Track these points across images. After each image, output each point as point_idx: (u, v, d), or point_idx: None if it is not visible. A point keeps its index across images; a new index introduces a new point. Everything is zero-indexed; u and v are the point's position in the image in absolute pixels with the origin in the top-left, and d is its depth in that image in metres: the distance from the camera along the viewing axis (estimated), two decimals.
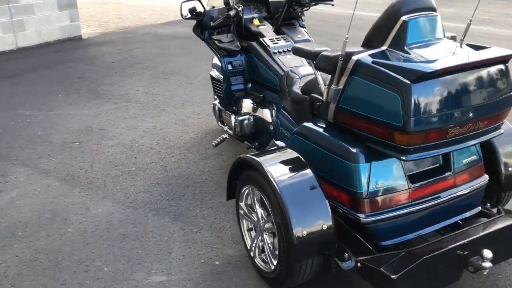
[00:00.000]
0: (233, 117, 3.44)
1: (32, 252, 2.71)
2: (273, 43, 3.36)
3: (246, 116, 3.42)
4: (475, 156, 2.47)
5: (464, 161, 2.42)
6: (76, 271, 2.56)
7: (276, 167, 2.28)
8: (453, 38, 2.49)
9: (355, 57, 2.19)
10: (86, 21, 9.85)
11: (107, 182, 3.48)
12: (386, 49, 2.23)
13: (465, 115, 2.07)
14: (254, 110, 3.44)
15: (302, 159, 2.32)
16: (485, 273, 2.15)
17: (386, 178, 2.23)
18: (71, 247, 2.75)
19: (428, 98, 1.99)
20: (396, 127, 2.03)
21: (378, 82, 2.09)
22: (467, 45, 2.35)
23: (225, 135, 3.55)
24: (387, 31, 2.23)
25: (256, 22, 3.58)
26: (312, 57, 2.49)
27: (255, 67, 3.42)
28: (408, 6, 2.20)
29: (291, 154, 2.37)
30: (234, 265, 2.60)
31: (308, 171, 2.25)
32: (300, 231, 2.11)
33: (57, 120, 4.61)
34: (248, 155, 2.39)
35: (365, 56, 2.18)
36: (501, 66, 2.16)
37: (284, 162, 2.34)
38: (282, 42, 3.39)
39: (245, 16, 3.56)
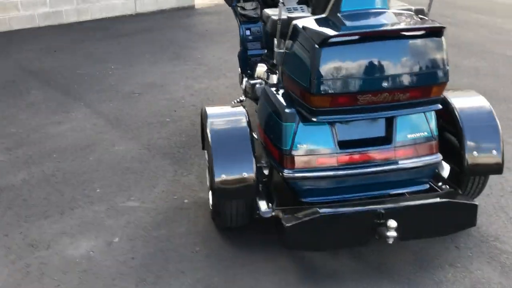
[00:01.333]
0: (245, 80, 3.71)
1: (54, 170, 3.37)
2: (289, 12, 3.52)
3: (258, 81, 3.65)
4: (425, 133, 2.43)
5: (409, 136, 2.41)
6: (76, 188, 3.14)
7: (218, 118, 2.55)
8: (420, 11, 2.47)
9: (293, 22, 2.34)
10: None
11: (141, 127, 4.03)
12: (326, 16, 2.33)
13: (376, 83, 2.11)
14: (267, 76, 3.66)
15: (246, 115, 2.55)
16: (390, 242, 2.18)
17: (312, 140, 2.36)
18: (83, 171, 3.35)
19: (336, 62, 2.08)
20: (306, 88, 2.16)
21: (301, 46, 2.23)
22: (419, 17, 2.32)
23: (243, 97, 3.84)
24: None
25: None
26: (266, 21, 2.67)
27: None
28: None
29: (239, 109, 2.61)
30: (198, 205, 2.95)
31: (244, 126, 2.48)
32: (221, 175, 2.35)
33: (133, 75, 5.32)
34: (205, 107, 2.69)
35: (300, 22, 2.31)
36: (432, 40, 2.13)
37: (228, 115, 2.59)
38: (298, 13, 3.53)
39: None
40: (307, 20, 2.32)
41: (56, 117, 4.24)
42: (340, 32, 2.05)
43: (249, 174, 2.37)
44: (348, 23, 2.19)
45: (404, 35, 2.12)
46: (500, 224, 2.75)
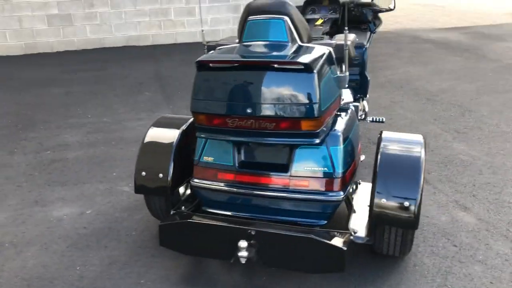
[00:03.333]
0: None
1: (102, 153, 4.19)
2: None
3: None
4: (325, 169, 2.41)
5: (306, 168, 2.42)
6: (102, 169, 3.88)
7: (159, 127, 2.87)
8: (340, 46, 2.46)
9: (217, 48, 2.60)
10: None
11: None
12: (239, 43, 2.52)
13: (241, 109, 2.23)
14: None
15: (185, 125, 2.83)
16: (242, 262, 2.26)
17: (216, 155, 2.57)
18: (119, 158, 4.09)
19: (207, 85, 2.30)
20: None
21: None
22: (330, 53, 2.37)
23: None
24: (241, 28, 2.51)
25: (319, 21, 3.88)
26: None
27: None
28: (255, 9, 2.43)
29: (183, 120, 2.90)
30: None
31: (174, 132, 2.77)
32: (141, 172, 2.72)
33: None
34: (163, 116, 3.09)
35: (219, 49, 2.55)
36: (302, 75, 2.15)
37: (170, 125, 2.89)
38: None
39: (312, 16, 3.94)
40: (223, 47, 2.54)
41: (142, 115, 5.13)
42: (206, 59, 2.25)
43: (164, 175, 2.69)
44: (237, 51, 2.36)
45: (275, 67, 2.19)
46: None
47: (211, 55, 2.35)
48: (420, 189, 2.33)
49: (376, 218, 2.38)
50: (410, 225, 2.34)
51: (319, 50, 2.38)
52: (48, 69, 7.08)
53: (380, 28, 9.53)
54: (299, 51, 2.35)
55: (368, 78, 3.83)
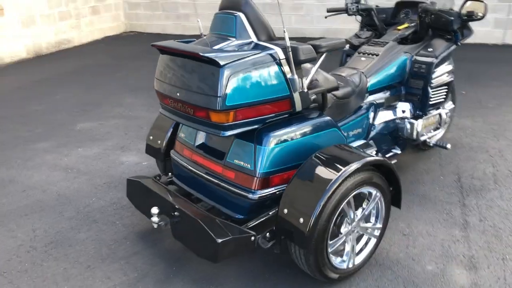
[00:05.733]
0: None
1: None
2: (368, 45, 3.41)
3: None
4: (248, 165, 2.44)
5: (236, 161, 2.49)
6: None
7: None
8: (294, 48, 2.39)
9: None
10: None
11: None
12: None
13: (172, 91, 2.45)
14: None
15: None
16: (155, 226, 2.53)
17: (186, 133, 2.87)
18: None
19: (162, 67, 2.57)
20: None
21: None
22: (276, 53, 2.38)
23: None
24: None
25: (403, 26, 3.54)
26: None
27: None
28: (222, 3, 2.55)
29: None
30: None
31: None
32: (150, 136, 3.19)
33: None
34: None
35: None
36: (212, 68, 2.22)
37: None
38: (374, 47, 3.36)
39: (403, 19, 3.64)
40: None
41: None
42: (156, 44, 2.51)
43: (161, 142, 3.10)
44: (198, 42, 2.55)
45: (198, 58, 2.29)
46: None
47: (164, 42, 2.59)
48: (319, 207, 2.14)
49: (276, 227, 2.29)
50: (300, 243, 2.18)
51: (259, 48, 2.36)
52: None
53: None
54: (234, 46, 2.39)
55: (430, 95, 3.31)
